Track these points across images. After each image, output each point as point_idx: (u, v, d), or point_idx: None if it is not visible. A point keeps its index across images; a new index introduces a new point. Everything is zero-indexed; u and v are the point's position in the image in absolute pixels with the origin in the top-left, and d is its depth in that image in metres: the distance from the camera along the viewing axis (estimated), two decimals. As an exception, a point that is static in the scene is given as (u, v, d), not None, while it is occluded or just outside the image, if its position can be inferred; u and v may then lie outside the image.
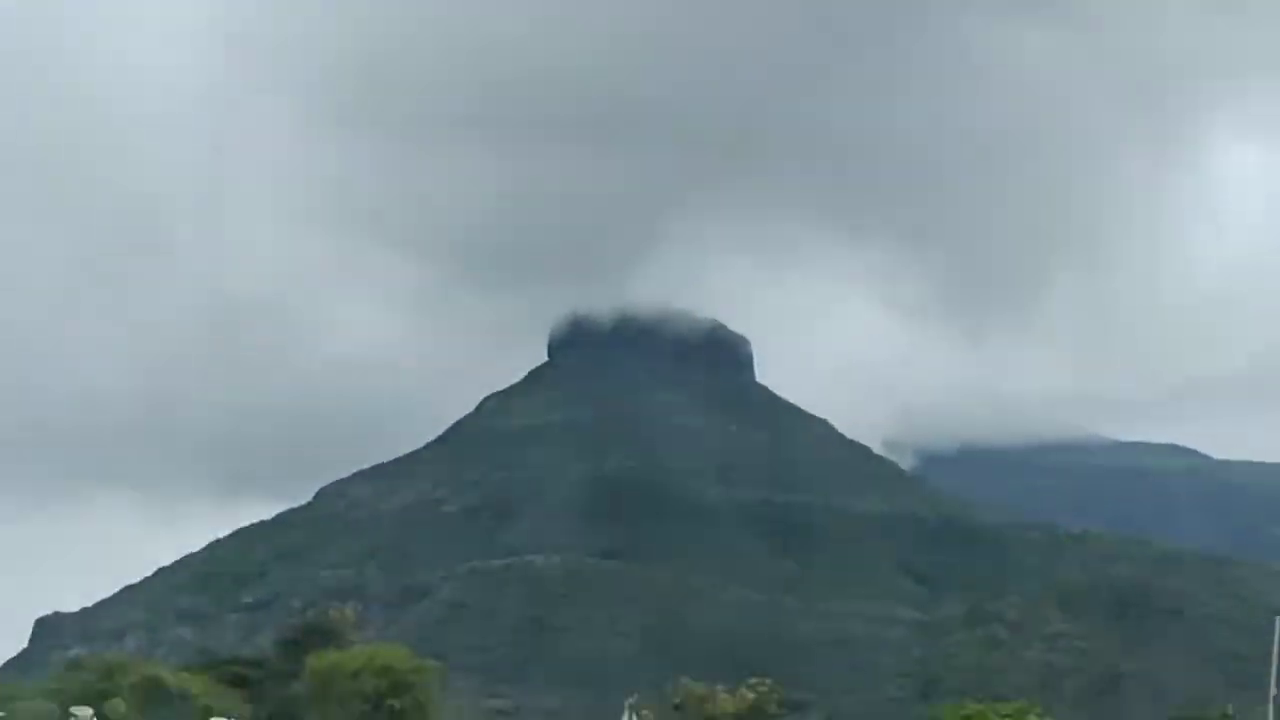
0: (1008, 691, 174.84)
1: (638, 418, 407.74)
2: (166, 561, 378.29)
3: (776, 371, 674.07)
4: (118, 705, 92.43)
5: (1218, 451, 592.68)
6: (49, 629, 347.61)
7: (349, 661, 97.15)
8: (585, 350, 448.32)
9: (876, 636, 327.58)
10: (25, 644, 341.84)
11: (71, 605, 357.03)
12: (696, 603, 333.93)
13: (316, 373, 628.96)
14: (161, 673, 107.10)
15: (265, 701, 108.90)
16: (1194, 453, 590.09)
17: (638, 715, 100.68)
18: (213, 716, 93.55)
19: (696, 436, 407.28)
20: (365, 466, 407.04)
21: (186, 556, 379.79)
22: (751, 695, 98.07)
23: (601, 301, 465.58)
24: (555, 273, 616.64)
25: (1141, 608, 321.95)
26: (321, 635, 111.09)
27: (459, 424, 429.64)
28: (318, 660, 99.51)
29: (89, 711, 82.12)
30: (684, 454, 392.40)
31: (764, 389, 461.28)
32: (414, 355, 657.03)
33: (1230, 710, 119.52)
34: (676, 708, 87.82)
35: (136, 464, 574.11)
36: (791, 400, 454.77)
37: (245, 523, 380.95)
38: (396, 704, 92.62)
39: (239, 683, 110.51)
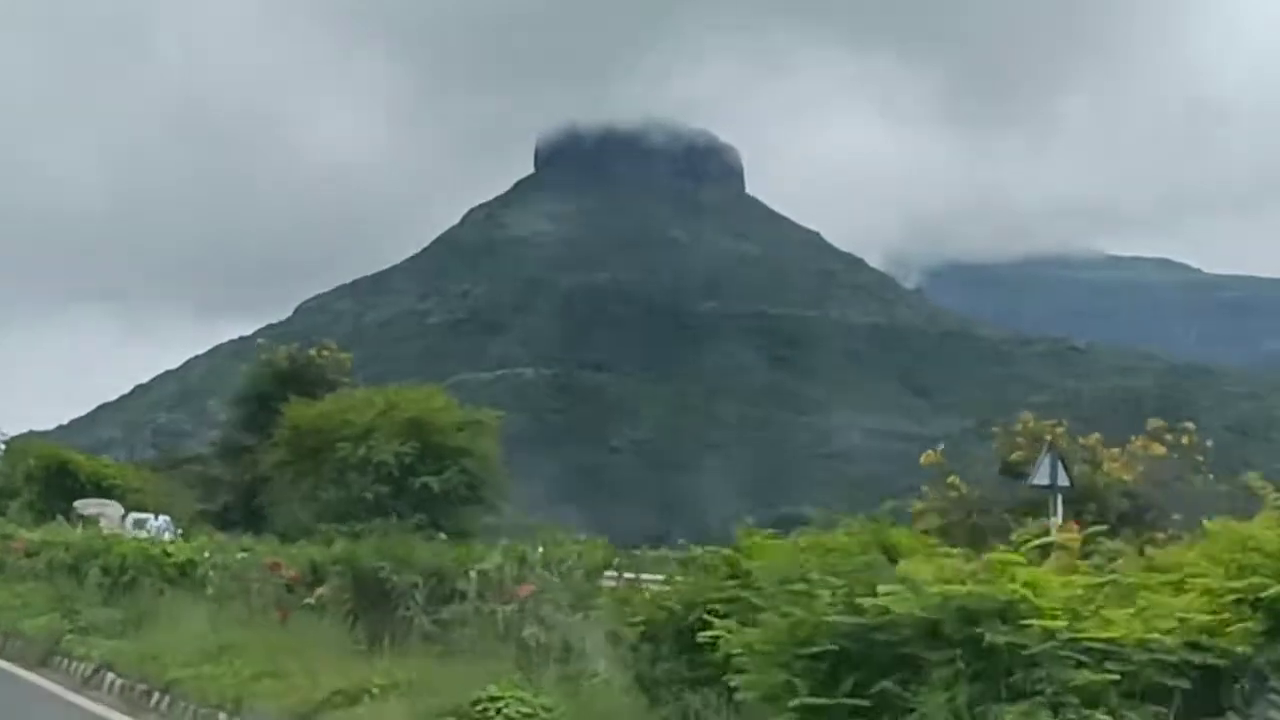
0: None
1: (627, 229, 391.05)
2: (144, 379, 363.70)
3: (769, 183, 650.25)
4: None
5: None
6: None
7: (356, 409, 66.86)
8: (573, 161, 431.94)
9: (878, 450, 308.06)
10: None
11: (46, 424, 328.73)
12: (692, 415, 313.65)
13: (295, 182, 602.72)
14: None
15: (220, 488, 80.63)
16: (1188, 267, 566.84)
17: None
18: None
19: (687, 248, 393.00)
20: (346, 280, 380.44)
21: (164, 374, 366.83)
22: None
23: (590, 111, 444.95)
24: (542, 81, 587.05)
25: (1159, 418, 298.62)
26: (301, 385, 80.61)
27: (444, 236, 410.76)
28: (300, 412, 69.09)
29: None
30: (674, 266, 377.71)
31: (756, 200, 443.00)
32: (396, 165, 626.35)
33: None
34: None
35: (111, 279, 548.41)
36: (784, 213, 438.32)
37: (224, 339, 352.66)
38: (442, 476, 62.94)
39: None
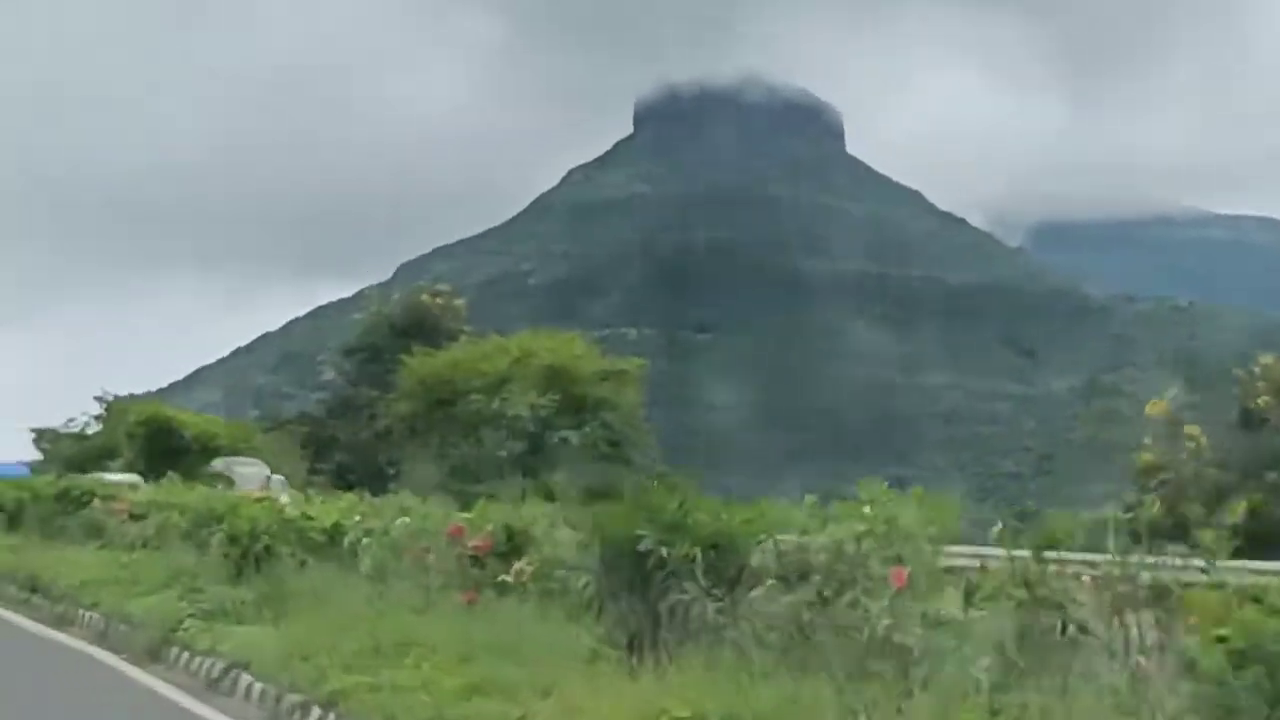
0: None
1: (726, 189, 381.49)
2: (243, 341, 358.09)
3: (869, 142, 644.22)
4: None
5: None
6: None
7: (488, 357, 60.05)
8: (672, 120, 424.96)
9: (983, 410, 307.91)
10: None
11: (145, 387, 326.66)
12: (796, 376, 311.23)
13: (394, 143, 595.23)
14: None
15: (334, 447, 74.38)
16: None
17: None
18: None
19: (787, 208, 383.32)
20: (447, 241, 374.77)
21: (264, 335, 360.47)
22: None
23: (688, 70, 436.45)
24: (640, 40, 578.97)
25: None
26: (417, 334, 73.99)
27: (543, 196, 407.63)
28: (425, 362, 62.39)
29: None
30: (775, 225, 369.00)
31: (856, 159, 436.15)
32: (495, 125, 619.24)
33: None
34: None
35: (209, 241, 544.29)
36: (884, 172, 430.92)
37: (323, 300, 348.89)
38: (583, 430, 56.15)
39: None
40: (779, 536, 15.17)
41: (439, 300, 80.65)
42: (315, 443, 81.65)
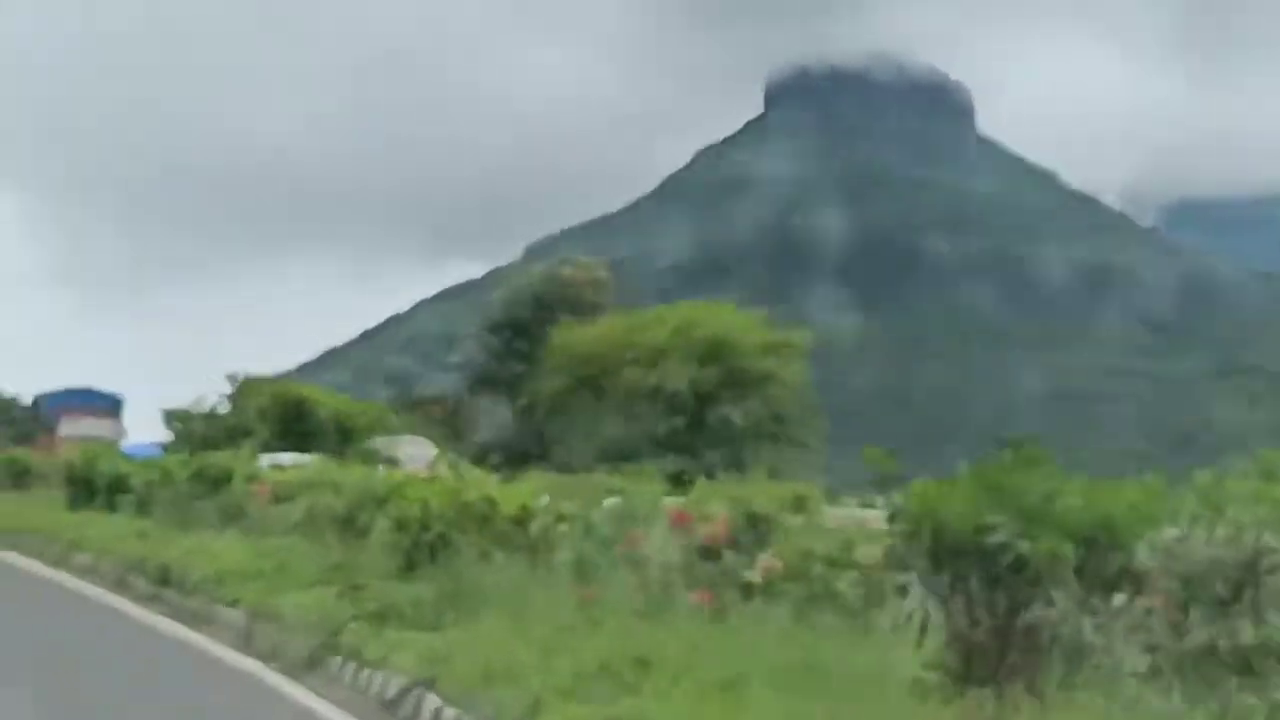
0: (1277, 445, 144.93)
1: (856, 168, 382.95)
2: (371, 324, 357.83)
3: (1000, 121, 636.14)
4: None
5: None
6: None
7: (645, 328, 55.73)
8: (802, 100, 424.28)
9: (1114, 390, 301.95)
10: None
11: (274, 368, 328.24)
12: (925, 355, 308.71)
13: (522, 123, 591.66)
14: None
15: (474, 425, 70.67)
16: None
17: None
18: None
19: (917, 187, 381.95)
20: (575, 223, 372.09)
21: (392, 318, 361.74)
22: None
23: (819, 49, 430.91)
24: (771, 20, 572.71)
25: None
26: (562, 307, 69.97)
27: (673, 177, 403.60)
28: (575, 335, 58.23)
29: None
30: (905, 205, 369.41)
31: (987, 138, 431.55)
32: (624, 105, 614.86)
33: None
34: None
35: (337, 223, 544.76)
36: (1016, 151, 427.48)
37: (452, 282, 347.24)
38: (746, 406, 51.86)
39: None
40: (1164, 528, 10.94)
41: (582, 273, 76.67)
42: (451, 422, 78.18)
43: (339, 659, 17.47)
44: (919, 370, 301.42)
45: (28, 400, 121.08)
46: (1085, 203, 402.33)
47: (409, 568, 19.94)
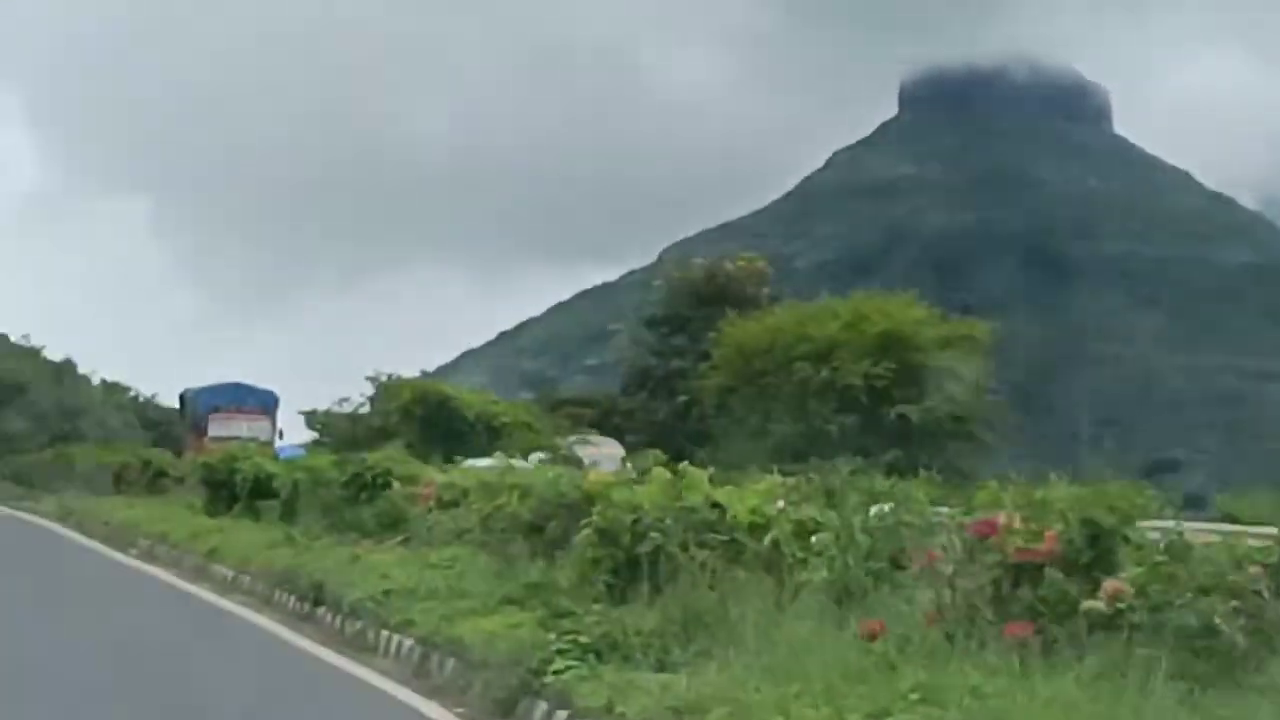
0: None
1: (992, 170, 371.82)
2: (508, 325, 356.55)
3: (1136, 121, 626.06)
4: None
5: None
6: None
7: (815, 321, 52.01)
8: (937, 101, 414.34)
9: (1257, 392, 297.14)
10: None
11: (410, 370, 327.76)
12: (1063, 358, 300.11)
13: (653, 125, 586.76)
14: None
15: (627, 425, 67.31)
16: None
17: None
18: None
19: (1054, 188, 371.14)
20: (710, 225, 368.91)
21: (528, 320, 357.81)
22: None
23: (953, 50, 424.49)
24: (905, 21, 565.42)
25: None
26: (722, 302, 66.52)
27: (808, 178, 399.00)
28: (743, 329, 54.68)
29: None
30: (1041, 206, 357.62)
31: (1123, 139, 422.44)
32: (757, 107, 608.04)
33: None
34: None
35: (472, 225, 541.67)
36: (1154, 151, 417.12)
37: (588, 285, 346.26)
38: (924, 404, 48.10)
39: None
40: None
41: (745, 266, 73.28)
42: (600, 422, 74.95)
43: (544, 704, 13.74)
44: (1055, 373, 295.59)
45: (166, 401, 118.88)
46: (1223, 203, 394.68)
47: (620, 588, 16.06)
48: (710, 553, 15.99)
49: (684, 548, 16.17)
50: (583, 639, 14.53)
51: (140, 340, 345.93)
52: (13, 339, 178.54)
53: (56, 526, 53.95)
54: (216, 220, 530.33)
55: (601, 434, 71.57)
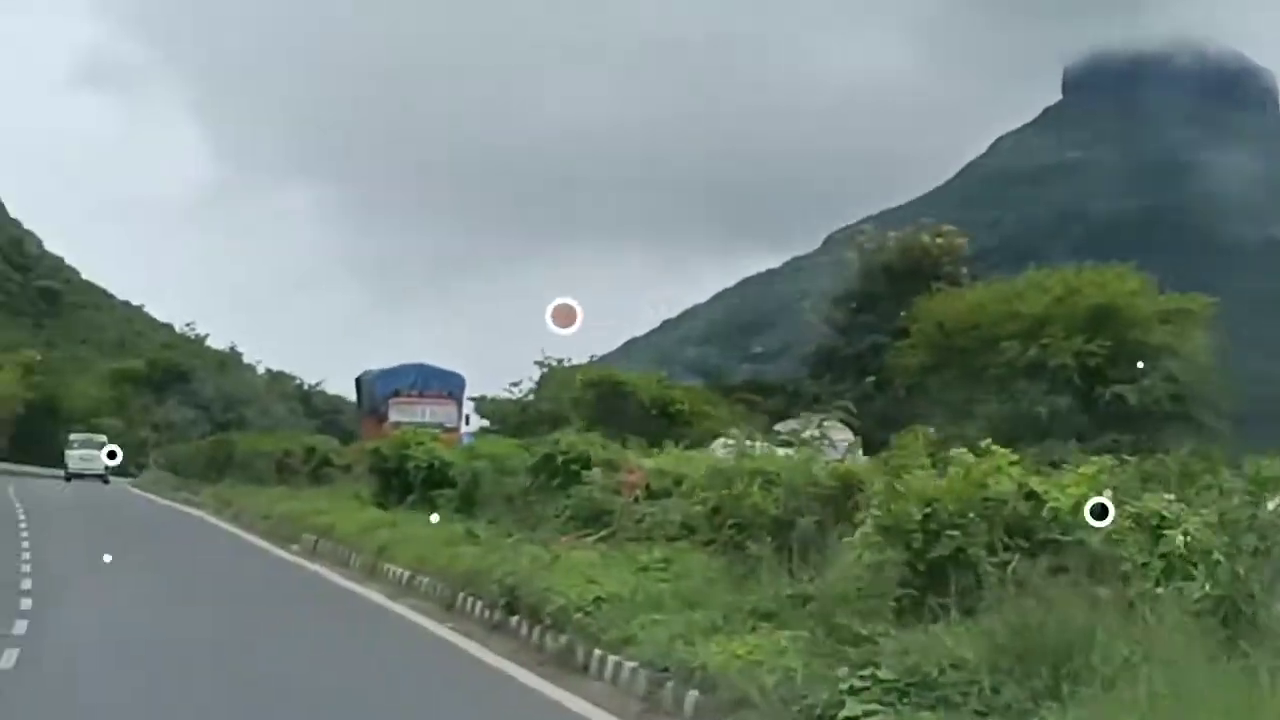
0: None
1: (1158, 155, 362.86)
2: (672, 313, 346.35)
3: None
4: None
5: None
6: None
7: (1023, 297, 48.06)
8: (1100, 86, 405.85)
9: None
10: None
11: (576, 359, 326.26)
12: (1230, 345, 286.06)
13: (817, 110, 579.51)
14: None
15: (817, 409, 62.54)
16: None
17: None
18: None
19: (1219, 175, 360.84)
20: (873, 211, 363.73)
21: (693, 307, 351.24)
22: None
23: (1118, 36, 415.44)
24: (1067, 6, 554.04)
25: None
26: (917, 279, 62.45)
27: (971, 164, 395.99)
28: (944, 304, 50.83)
29: None
30: (1205, 192, 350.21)
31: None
32: (921, 93, 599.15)
33: None
34: None
35: (635, 212, 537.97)
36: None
37: (752, 271, 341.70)
38: (1142, 384, 43.82)
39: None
40: None
41: (940, 241, 69.24)
42: (780, 409, 70.83)
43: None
44: (1222, 360, 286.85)
45: (332, 389, 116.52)
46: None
47: (916, 599, 12.14)
48: (1030, 559, 12.06)
49: (991, 550, 12.25)
50: (882, 674, 10.69)
51: (305, 329, 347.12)
52: (177, 328, 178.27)
53: (214, 519, 51.45)
54: (379, 210, 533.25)
55: (782, 420, 67.61)
